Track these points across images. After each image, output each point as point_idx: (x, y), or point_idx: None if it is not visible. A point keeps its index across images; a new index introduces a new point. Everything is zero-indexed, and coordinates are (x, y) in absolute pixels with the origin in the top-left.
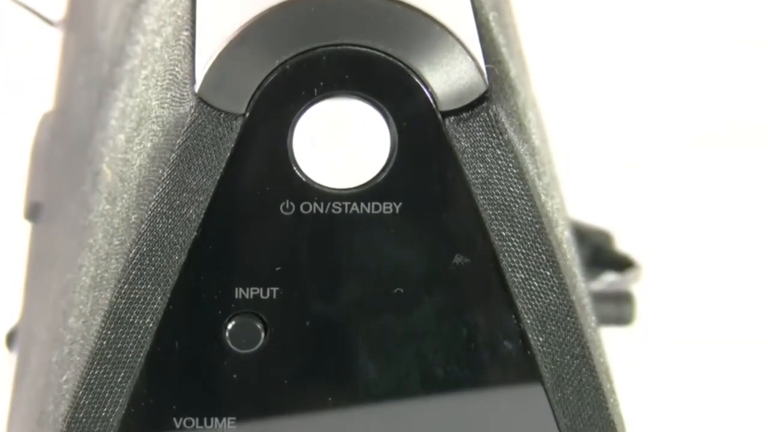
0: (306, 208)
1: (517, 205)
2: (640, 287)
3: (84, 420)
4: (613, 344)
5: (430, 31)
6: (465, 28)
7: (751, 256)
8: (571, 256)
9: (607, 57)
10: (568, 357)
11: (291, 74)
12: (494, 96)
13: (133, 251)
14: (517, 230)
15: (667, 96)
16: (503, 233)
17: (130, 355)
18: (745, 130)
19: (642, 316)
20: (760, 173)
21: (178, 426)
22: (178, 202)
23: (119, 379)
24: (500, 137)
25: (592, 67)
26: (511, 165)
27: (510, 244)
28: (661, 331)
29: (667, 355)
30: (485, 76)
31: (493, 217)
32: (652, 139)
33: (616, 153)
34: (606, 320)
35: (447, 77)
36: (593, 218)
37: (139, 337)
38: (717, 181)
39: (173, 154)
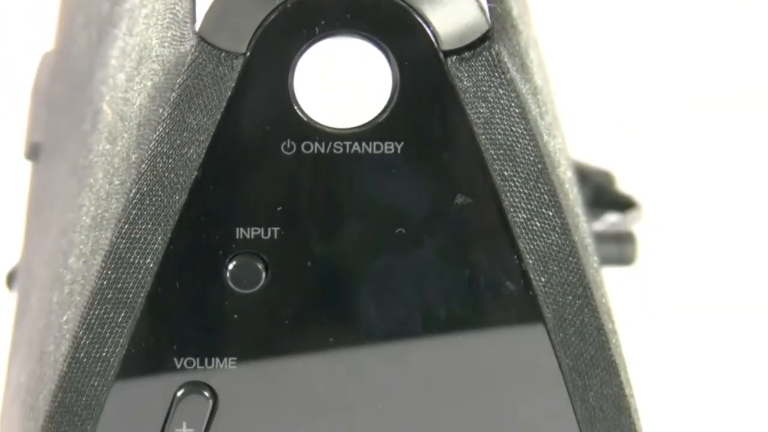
0: (307, 147)
1: (519, 145)
2: (642, 227)
3: (84, 360)
4: (614, 284)
5: None
6: None
7: (750, 206)
8: (573, 196)
9: (608, 21)
10: (570, 297)
11: (292, 13)
12: (496, 35)
13: (134, 191)
14: (519, 170)
15: (668, 59)
16: (505, 173)
17: (131, 295)
18: (747, 94)
19: (643, 256)
20: (761, 136)
21: (178, 366)
22: (178, 141)
23: (120, 319)
24: (502, 77)
25: (593, 30)
26: (513, 105)
27: (512, 184)
28: (662, 271)
29: (668, 296)
30: (487, 15)
31: (495, 157)
32: (653, 103)
33: (617, 116)
34: (607, 260)
35: (449, 16)
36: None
37: (140, 277)
38: (718, 145)
39: (174, 94)
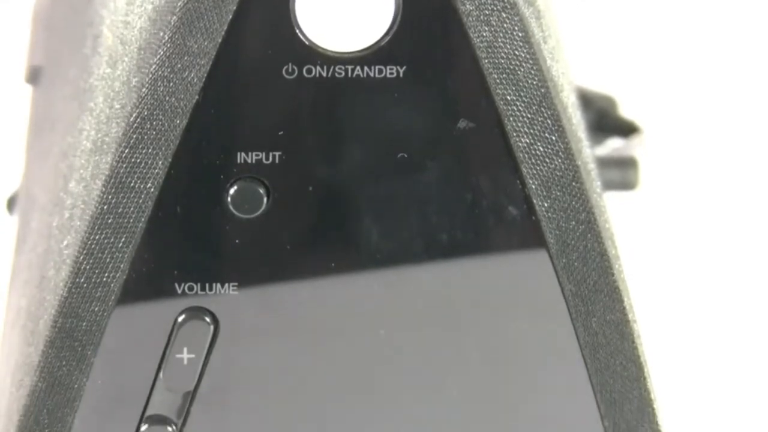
0: (309, 71)
1: (522, 69)
2: (644, 152)
3: (85, 285)
4: (617, 209)
5: None
6: None
7: (753, 122)
8: (576, 120)
9: None
10: (573, 222)
11: None
12: None
13: (134, 115)
14: (522, 94)
15: None
16: (508, 97)
17: (131, 220)
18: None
19: (646, 180)
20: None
21: (179, 291)
22: (179, 65)
23: (120, 244)
24: (505, 0)
25: None
26: (516, 28)
27: (515, 109)
28: (664, 196)
29: (670, 220)
30: None
31: (497, 81)
32: (656, 28)
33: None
34: (610, 185)
35: None
36: (597, 85)
37: (140, 201)
38: (721, 70)
39: (174, 17)
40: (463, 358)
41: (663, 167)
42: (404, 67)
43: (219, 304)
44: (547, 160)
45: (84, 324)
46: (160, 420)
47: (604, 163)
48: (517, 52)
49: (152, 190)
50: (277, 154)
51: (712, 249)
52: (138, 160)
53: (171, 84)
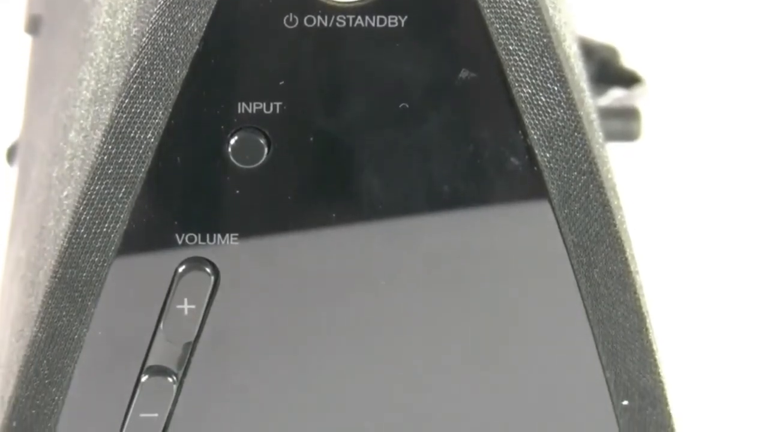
0: (310, 21)
1: (524, 19)
2: (647, 103)
3: (85, 235)
4: (619, 160)
5: None
6: None
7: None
8: (578, 71)
9: None
10: (576, 173)
11: None
12: None
13: (134, 65)
14: (524, 44)
15: None
16: (510, 47)
17: (132, 171)
18: None
19: (648, 131)
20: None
21: (180, 242)
22: (179, 14)
23: (120, 195)
24: None
25: None
26: None
27: (517, 59)
28: (666, 147)
29: (672, 170)
30: None
31: (500, 30)
32: None
33: None
34: (612, 136)
35: None
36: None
37: (141, 152)
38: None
39: None
40: (464, 310)
41: (665, 117)
42: (405, 17)
43: (219, 255)
44: (549, 110)
45: (84, 274)
46: (161, 371)
47: (606, 113)
48: (519, 2)
49: (152, 140)
50: (277, 104)
51: (715, 197)
52: (138, 110)
53: (171, 34)
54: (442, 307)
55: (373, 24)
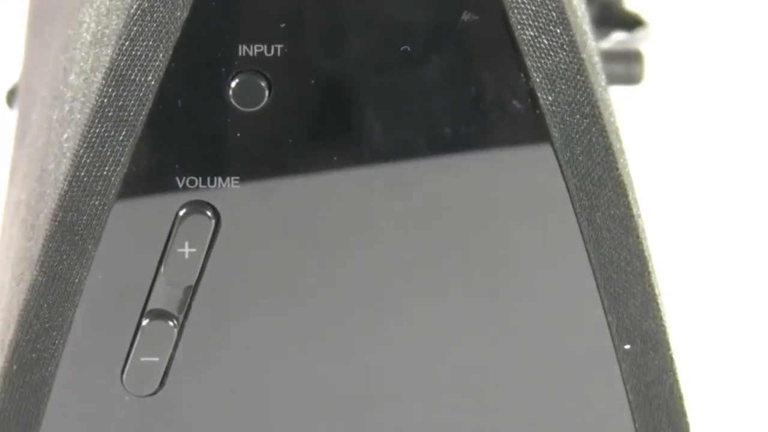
0: None
1: None
2: (649, 46)
3: (85, 179)
4: (622, 103)
5: None
6: None
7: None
8: (581, 13)
9: None
10: (578, 116)
11: None
12: None
13: (134, 7)
14: None
15: None
16: None
17: (132, 113)
18: None
19: (650, 74)
20: None
21: (180, 185)
22: None
23: (121, 138)
24: None
25: None
26: None
27: (519, 1)
28: (668, 90)
29: (674, 114)
30: None
31: None
32: None
33: None
34: (615, 79)
35: None
36: None
37: (141, 94)
38: None
39: None
40: (465, 254)
41: (667, 61)
42: None
43: (220, 198)
44: (552, 53)
45: (84, 218)
46: (162, 315)
47: (609, 56)
48: None
49: (153, 83)
50: (279, 46)
51: (717, 138)
52: (138, 53)
53: None
54: (443, 251)
55: None
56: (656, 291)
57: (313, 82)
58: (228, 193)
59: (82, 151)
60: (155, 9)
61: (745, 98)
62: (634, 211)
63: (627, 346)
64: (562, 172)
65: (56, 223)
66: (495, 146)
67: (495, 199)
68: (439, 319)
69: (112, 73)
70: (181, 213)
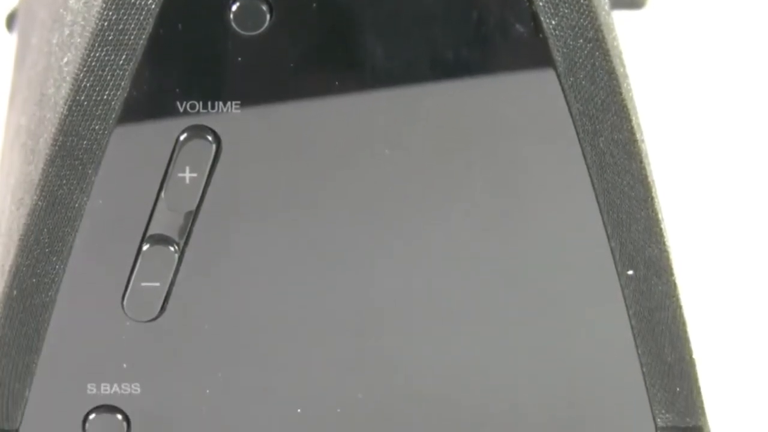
0: None
1: None
2: None
3: (85, 103)
4: (625, 28)
5: None
6: None
7: None
8: None
9: None
10: (581, 41)
11: None
12: None
13: None
14: None
15: None
16: None
17: (132, 37)
18: None
19: None
20: None
21: (181, 109)
22: None
23: (121, 62)
24: None
25: None
26: None
27: None
28: (673, 14)
29: (678, 38)
30: None
31: None
32: None
33: None
34: (619, 3)
35: None
36: None
37: (141, 18)
38: None
39: None
40: (467, 180)
41: None
42: None
43: (221, 123)
44: None
45: (84, 142)
46: (162, 240)
47: None
48: None
49: (153, 6)
50: None
51: (721, 64)
52: None
53: None
54: (445, 177)
55: None
56: (659, 216)
57: (314, 5)
58: (229, 117)
59: (82, 75)
60: None
61: (747, 24)
62: (638, 136)
63: (630, 272)
64: (565, 96)
65: (56, 147)
66: (498, 71)
67: (497, 125)
68: (442, 243)
69: None
70: (182, 137)
